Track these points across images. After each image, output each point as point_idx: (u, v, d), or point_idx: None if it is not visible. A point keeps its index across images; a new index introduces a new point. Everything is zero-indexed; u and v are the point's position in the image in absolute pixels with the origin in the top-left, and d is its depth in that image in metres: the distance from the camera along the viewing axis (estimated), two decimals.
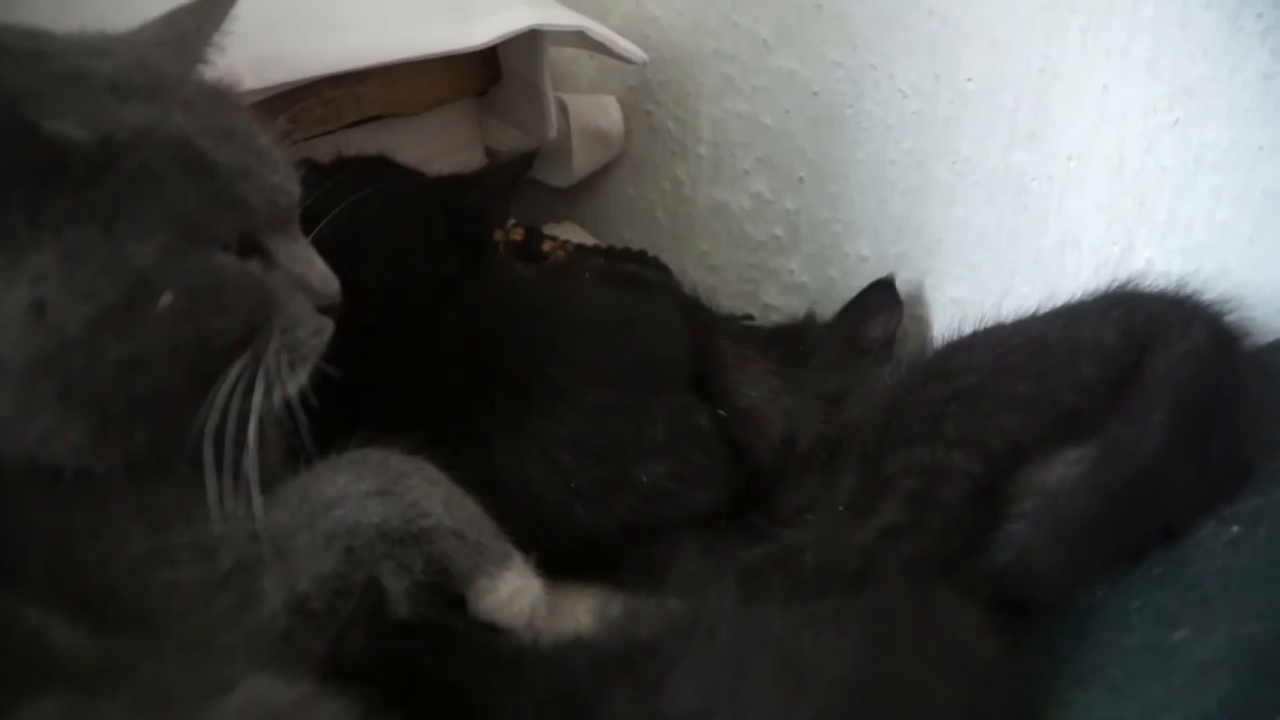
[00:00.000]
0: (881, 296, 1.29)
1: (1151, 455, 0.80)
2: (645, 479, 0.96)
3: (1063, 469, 0.84)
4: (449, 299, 1.06)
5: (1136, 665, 0.69)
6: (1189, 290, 0.93)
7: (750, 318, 1.40)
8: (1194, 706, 0.62)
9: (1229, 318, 0.91)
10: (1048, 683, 0.71)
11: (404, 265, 1.08)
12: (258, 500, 0.73)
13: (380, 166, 1.15)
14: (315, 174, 0.83)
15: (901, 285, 1.30)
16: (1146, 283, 0.95)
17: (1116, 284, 0.96)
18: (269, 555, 0.74)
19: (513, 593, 0.82)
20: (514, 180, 1.28)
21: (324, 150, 1.13)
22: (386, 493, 0.79)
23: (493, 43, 1.18)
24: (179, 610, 0.70)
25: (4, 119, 0.59)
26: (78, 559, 0.68)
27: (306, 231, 0.81)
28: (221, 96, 0.75)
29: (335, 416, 0.80)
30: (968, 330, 1.00)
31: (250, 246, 0.73)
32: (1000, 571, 0.83)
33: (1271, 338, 0.94)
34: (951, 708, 0.65)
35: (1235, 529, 0.79)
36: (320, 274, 0.77)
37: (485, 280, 1.16)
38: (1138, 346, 0.87)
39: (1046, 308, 0.98)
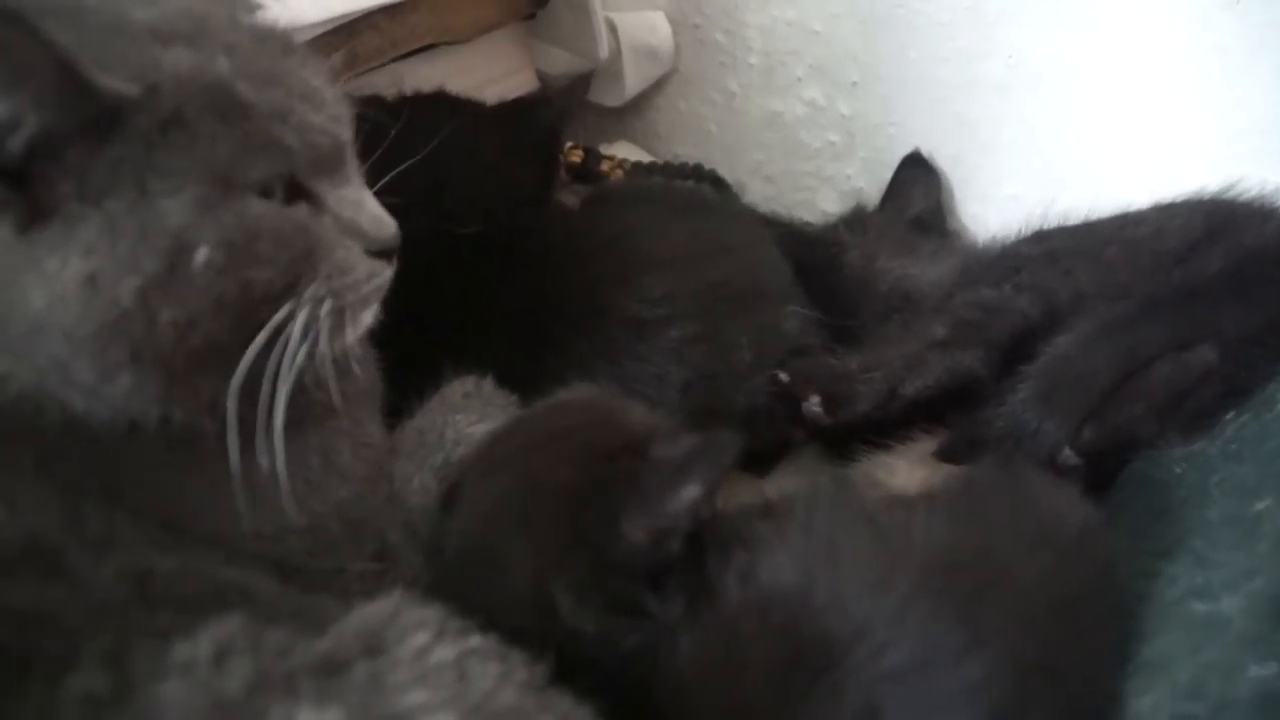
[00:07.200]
0: (914, 169, 1.33)
1: (1136, 320, 0.87)
2: (742, 400, 0.98)
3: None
4: (525, 233, 1.07)
5: (1219, 536, 0.71)
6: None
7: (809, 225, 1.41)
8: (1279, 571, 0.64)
9: None
10: (1135, 557, 0.73)
11: (493, 188, 1.09)
12: (281, 466, 0.69)
13: (443, 99, 1.17)
14: (382, 111, 0.84)
15: (957, 184, 1.31)
16: (1241, 193, 0.99)
17: (1212, 192, 1.01)
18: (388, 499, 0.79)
19: None
20: (577, 100, 1.29)
21: (381, 82, 1.16)
22: None
23: None
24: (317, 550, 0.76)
25: (59, 79, 0.58)
26: (222, 509, 0.70)
27: (389, 169, 0.80)
28: (267, 38, 0.72)
29: (421, 352, 0.84)
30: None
31: (296, 191, 0.70)
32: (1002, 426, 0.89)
33: None
34: (1040, 576, 0.66)
35: None
36: (372, 217, 0.74)
37: (554, 218, 1.16)
38: (1220, 234, 0.92)
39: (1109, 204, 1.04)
